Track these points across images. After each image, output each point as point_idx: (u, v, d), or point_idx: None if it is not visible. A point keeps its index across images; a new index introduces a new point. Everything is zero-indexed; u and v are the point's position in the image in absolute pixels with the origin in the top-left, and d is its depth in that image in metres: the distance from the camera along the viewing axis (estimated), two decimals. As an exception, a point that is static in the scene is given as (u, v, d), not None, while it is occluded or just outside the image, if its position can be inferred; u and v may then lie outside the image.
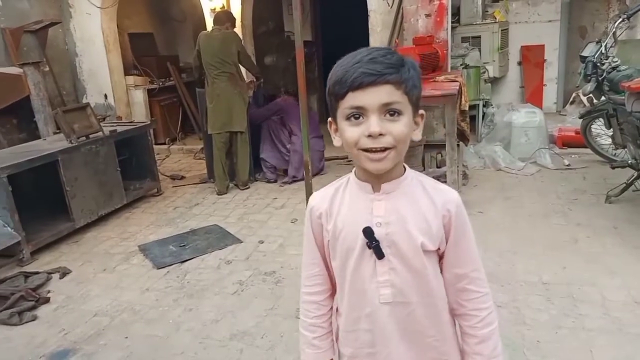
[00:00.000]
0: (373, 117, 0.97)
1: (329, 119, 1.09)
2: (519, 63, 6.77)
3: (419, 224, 1.06)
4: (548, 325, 2.44)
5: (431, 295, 1.10)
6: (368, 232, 1.06)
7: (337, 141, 1.09)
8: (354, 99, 0.98)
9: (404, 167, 1.10)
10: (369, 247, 1.07)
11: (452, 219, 1.07)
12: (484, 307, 1.11)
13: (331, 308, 1.24)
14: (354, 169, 1.14)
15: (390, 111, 0.98)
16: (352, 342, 1.16)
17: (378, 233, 1.06)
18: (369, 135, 0.98)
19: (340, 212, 1.11)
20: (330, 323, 1.24)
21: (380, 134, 0.98)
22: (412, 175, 1.10)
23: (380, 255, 1.07)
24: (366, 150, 0.99)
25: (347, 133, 1.01)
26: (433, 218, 1.07)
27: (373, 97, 0.97)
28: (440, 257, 1.12)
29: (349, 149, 1.03)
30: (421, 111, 1.06)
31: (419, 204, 1.07)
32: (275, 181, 5.30)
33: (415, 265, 1.07)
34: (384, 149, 0.99)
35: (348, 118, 1.01)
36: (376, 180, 1.07)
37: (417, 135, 1.06)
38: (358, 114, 0.99)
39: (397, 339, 1.11)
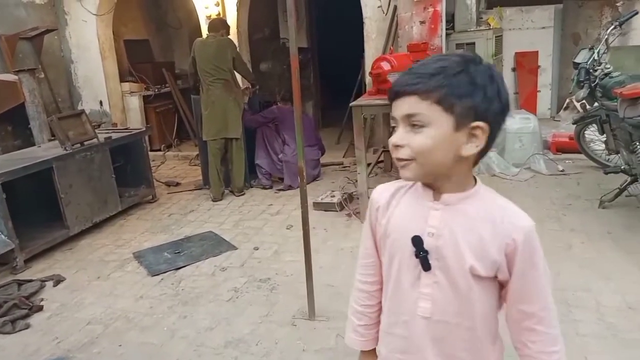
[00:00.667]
0: (399, 128, 0.99)
1: None
2: (513, 69, 6.81)
3: (473, 245, 0.99)
4: (542, 331, 2.44)
5: (472, 320, 1.03)
6: (417, 242, 1.02)
7: None
8: (392, 109, 1.01)
9: (475, 180, 1.04)
10: (417, 257, 1.03)
11: (517, 249, 0.97)
12: (552, 350, 1.01)
13: (381, 302, 1.20)
14: None
15: (412, 123, 0.96)
16: (387, 344, 1.14)
17: (428, 243, 1.02)
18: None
19: (395, 212, 1.09)
20: (379, 315, 1.21)
21: (399, 145, 0.97)
22: (482, 192, 1.03)
23: (426, 267, 1.02)
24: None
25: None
26: (492, 243, 0.98)
27: (399, 108, 0.98)
28: (502, 286, 1.04)
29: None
30: (478, 123, 0.95)
31: (479, 225, 0.99)
32: (271, 187, 5.30)
33: (460, 286, 1.01)
34: (402, 160, 0.99)
35: (393, 127, 1.04)
36: (439, 189, 1.03)
37: (469, 150, 0.96)
38: (395, 124, 1.01)
39: (429, 354, 1.07)
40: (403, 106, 0.96)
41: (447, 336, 1.05)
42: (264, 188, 5.30)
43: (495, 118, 0.97)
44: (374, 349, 1.23)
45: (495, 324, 1.08)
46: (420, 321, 1.05)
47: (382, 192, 1.15)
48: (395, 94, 0.98)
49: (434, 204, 1.03)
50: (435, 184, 1.02)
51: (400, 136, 0.97)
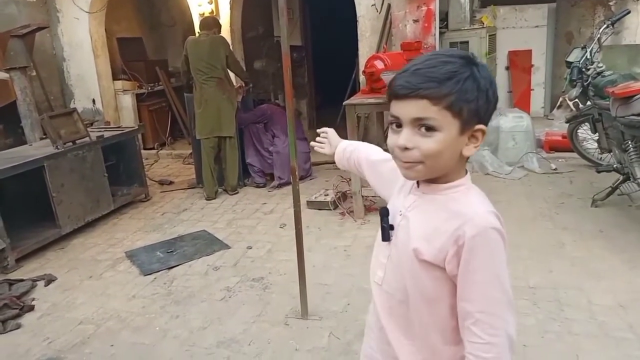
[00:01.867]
0: (405, 130, 0.97)
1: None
2: (507, 68, 6.83)
3: (423, 230, 1.02)
4: (535, 330, 2.45)
5: (416, 304, 1.05)
6: (383, 212, 1.10)
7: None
8: (394, 107, 0.99)
9: (466, 174, 1.04)
10: (381, 226, 1.10)
11: (465, 243, 0.95)
12: (484, 357, 0.96)
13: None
14: None
15: (423, 126, 0.95)
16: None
17: (396, 220, 1.08)
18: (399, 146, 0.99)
19: (396, 187, 1.16)
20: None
21: (407, 148, 0.97)
22: (463, 187, 1.03)
23: (385, 237, 1.09)
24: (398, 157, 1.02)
25: (388, 138, 1.03)
26: (444, 232, 0.98)
27: (406, 109, 0.96)
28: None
29: (390, 152, 1.06)
30: (480, 126, 0.98)
31: (439, 214, 1.01)
32: (264, 185, 5.29)
33: (404, 265, 1.04)
34: (408, 162, 0.99)
35: (391, 124, 1.02)
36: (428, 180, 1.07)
37: (470, 151, 1.00)
38: (397, 122, 0.99)
39: (383, 321, 1.13)
40: (411, 109, 0.95)
41: (394, 308, 1.10)
42: (258, 186, 5.29)
43: (490, 118, 1.01)
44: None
45: (451, 324, 1.03)
46: (377, 288, 1.14)
47: None
48: (402, 95, 0.96)
49: (415, 189, 1.08)
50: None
51: (408, 138, 0.96)
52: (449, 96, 0.93)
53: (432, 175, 1.01)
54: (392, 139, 1.01)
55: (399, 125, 0.98)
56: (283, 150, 5.09)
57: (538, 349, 2.31)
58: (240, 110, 5.22)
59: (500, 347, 0.97)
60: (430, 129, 0.94)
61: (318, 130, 1.62)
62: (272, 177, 5.35)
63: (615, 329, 2.42)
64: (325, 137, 1.58)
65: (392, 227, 1.09)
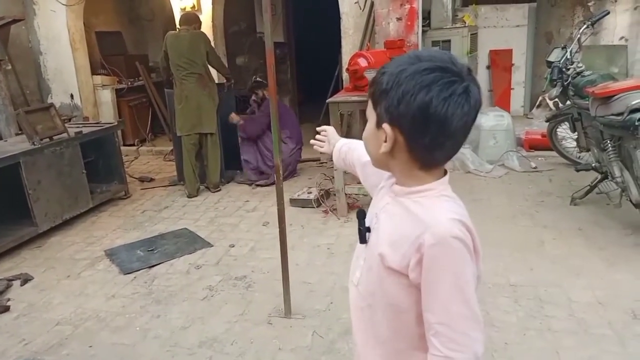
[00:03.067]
0: None
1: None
2: (488, 67, 6.89)
3: (390, 235, 0.99)
4: (516, 327, 2.47)
5: (384, 309, 1.03)
6: (360, 215, 1.09)
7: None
8: None
9: (439, 179, 0.99)
10: (358, 228, 1.08)
11: (424, 252, 0.91)
12: None
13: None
14: None
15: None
16: None
17: (372, 222, 1.07)
18: None
19: (380, 184, 1.14)
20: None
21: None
22: (433, 192, 0.98)
23: (362, 239, 1.08)
24: None
25: None
26: (408, 239, 0.94)
27: None
28: None
29: None
30: (385, 125, 0.97)
31: (406, 220, 0.98)
32: (254, 183, 5.19)
33: (373, 269, 1.02)
34: None
35: None
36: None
37: (383, 148, 1.05)
38: None
39: (355, 321, 1.14)
40: None
41: (364, 310, 1.09)
42: (251, 183, 5.19)
43: (405, 122, 0.93)
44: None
45: (418, 331, 1.00)
46: (353, 289, 1.13)
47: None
48: None
49: (391, 190, 1.06)
50: (398, 178, 1.05)
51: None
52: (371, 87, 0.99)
53: (380, 168, 1.05)
54: None
55: None
56: (288, 158, 5.06)
57: (519, 347, 2.34)
58: (239, 114, 5.15)
59: None
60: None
61: (318, 129, 1.59)
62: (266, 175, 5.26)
63: (594, 325, 2.46)
64: (325, 136, 1.55)
65: (368, 230, 1.07)
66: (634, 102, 2.91)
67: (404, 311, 1.00)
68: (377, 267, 1.01)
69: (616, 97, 3.11)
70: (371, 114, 1.00)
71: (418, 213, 0.96)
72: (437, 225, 0.92)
